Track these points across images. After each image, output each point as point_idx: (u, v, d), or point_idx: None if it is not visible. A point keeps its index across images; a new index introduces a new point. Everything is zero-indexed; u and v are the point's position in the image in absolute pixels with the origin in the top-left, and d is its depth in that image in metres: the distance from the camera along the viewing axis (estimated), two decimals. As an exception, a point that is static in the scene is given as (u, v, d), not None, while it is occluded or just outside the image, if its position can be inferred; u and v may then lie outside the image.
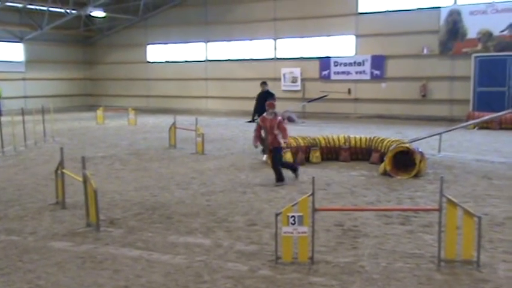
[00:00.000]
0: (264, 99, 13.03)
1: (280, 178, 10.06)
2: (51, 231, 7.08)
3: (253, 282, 5.26)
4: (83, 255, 6.07)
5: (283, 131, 10.01)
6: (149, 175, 11.14)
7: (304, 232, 5.63)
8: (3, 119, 16.32)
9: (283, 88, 27.54)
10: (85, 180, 7.20)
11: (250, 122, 23.32)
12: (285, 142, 10.20)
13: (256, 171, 11.49)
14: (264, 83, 14.31)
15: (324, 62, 26.58)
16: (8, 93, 29.00)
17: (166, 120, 22.55)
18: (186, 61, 31.33)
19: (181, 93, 31.41)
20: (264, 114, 10.20)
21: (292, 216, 5.58)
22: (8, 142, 14.73)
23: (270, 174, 11.05)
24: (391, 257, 5.94)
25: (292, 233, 5.63)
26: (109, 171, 11.58)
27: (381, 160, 11.45)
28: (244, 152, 14.28)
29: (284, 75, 27.67)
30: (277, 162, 10.11)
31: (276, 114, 10.12)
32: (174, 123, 15.54)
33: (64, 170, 8.05)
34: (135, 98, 32.53)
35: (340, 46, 26.31)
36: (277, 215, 5.71)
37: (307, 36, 27.02)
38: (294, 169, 10.52)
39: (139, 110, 25.14)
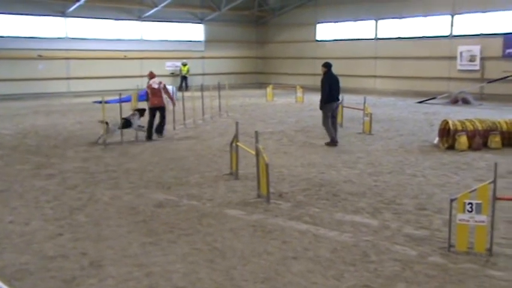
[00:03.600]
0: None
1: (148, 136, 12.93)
2: (226, 199, 7.60)
3: (423, 268, 5.06)
4: (254, 224, 6.42)
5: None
6: (315, 152, 11.30)
7: (483, 221, 5.24)
8: (185, 94, 17.83)
9: (459, 68, 25.62)
10: (257, 154, 7.57)
11: (420, 102, 22.34)
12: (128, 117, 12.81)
13: (427, 154, 10.95)
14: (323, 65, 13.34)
15: (510, 39, 24.02)
16: (190, 71, 31.57)
17: (333, 99, 22.52)
18: (355, 39, 30.81)
19: (348, 72, 30.83)
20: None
21: (470, 203, 5.23)
22: (189, 115, 16.08)
23: (442, 158, 10.49)
24: None
25: (468, 221, 5.28)
26: (277, 147, 12.00)
27: None
28: (414, 134, 13.69)
29: (461, 53, 25.68)
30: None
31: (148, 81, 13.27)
32: (341, 102, 15.42)
33: (238, 143, 8.56)
34: (303, 76, 32.95)
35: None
36: (452, 200, 5.41)
37: (491, 11, 24.61)
38: (148, 135, 12.94)
39: (307, 88, 25.47)
